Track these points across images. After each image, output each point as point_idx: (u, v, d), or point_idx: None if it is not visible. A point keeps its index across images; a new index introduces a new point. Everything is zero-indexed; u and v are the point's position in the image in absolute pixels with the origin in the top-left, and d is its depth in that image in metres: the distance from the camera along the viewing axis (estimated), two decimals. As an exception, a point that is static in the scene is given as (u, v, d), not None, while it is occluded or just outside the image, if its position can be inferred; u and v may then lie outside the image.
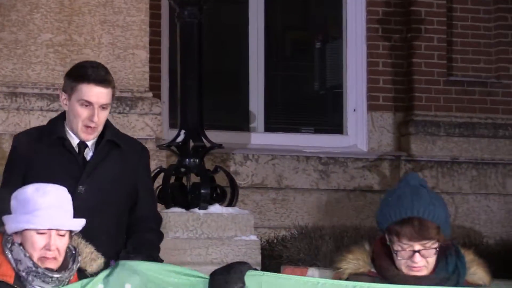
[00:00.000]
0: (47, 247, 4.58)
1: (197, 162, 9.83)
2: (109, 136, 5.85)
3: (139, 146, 6.28)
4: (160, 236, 6.23)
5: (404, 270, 4.61)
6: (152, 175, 9.48)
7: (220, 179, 10.03)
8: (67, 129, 5.74)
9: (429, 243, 4.56)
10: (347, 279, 4.65)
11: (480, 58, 12.93)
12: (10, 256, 4.65)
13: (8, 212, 4.84)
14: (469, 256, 4.73)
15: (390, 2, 13.03)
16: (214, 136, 10.27)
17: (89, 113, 5.62)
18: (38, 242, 4.59)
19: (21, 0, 10.82)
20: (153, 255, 5.76)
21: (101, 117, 5.74)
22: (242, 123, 12.68)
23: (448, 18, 13.07)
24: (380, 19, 12.92)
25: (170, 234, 9.38)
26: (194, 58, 10.16)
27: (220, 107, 12.28)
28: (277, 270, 9.09)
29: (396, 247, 4.61)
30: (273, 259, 9.69)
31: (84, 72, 5.94)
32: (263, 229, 10.78)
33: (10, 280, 4.61)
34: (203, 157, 9.92)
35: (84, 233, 5.29)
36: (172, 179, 9.99)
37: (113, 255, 5.58)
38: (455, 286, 4.59)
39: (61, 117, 5.91)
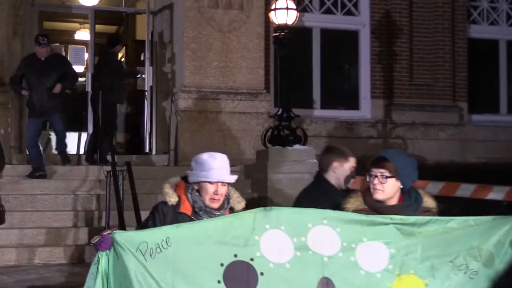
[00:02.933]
0: (215, 192, 4.15)
1: (288, 124, 9.94)
2: None
3: None
4: None
5: (373, 195, 4.05)
6: (265, 130, 10.04)
7: (299, 132, 10.03)
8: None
9: (385, 173, 4.01)
10: None
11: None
12: (190, 197, 4.20)
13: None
14: (422, 192, 4.16)
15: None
16: (296, 111, 10.19)
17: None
18: (209, 190, 4.15)
19: (204, 45, 11.10)
20: None
21: None
22: (310, 104, 12.37)
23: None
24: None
25: (275, 158, 9.57)
26: (285, 74, 10.23)
27: (298, 96, 11.56)
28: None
29: (368, 177, 4.09)
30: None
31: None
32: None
33: (189, 213, 4.18)
34: (291, 121, 9.97)
35: None
36: (275, 132, 10.00)
37: None
38: (416, 210, 4.04)
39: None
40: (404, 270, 3.86)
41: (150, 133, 11.90)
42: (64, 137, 10.33)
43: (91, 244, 3.86)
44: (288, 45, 10.02)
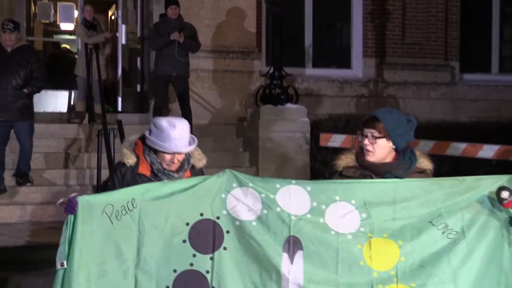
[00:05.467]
0: (171, 161, 4.05)
1: (279, 82, 9.91)
2: None
3: None
4: None
5: (365, 156, 3.94)
6: (256, 89, 10.08)
7: (290, 91, 10.05)
8: None
9: (375, 133, 3.88)
10: (341, 171, 3.98)
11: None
12: (148, 158, 4.07)
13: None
14: (418, 153, 4.00)
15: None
16: (288, 69, 10.10)
17: None
18: (166, 158, 4.03)
19: (195, 3, 10.95)
20: None
21: None
22: (301, 63, 12.19)
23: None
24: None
25: (266, 116, 9.59)
26: (277, 32, 10.06)
27: (290, 54, 11.21)
28: (318, 136, 9.08)
29: (360, 137, 3.96)
30: (315, 130, 9.54)
31: None
32: (310, 115, 10.06)
33: (148, 174, 4.06)
34: (282, 80, 9.94)
35: None
36: (267, 91, 10.01)
37: None
38: (408, 169, 3.89)
39: None
40: (377, 233, 3.72)
41: (142, 92, 11.77)
42: (30, 153, 8.51)
43: (56, 206, 3.78)
44: (280, 3, 9.90)
